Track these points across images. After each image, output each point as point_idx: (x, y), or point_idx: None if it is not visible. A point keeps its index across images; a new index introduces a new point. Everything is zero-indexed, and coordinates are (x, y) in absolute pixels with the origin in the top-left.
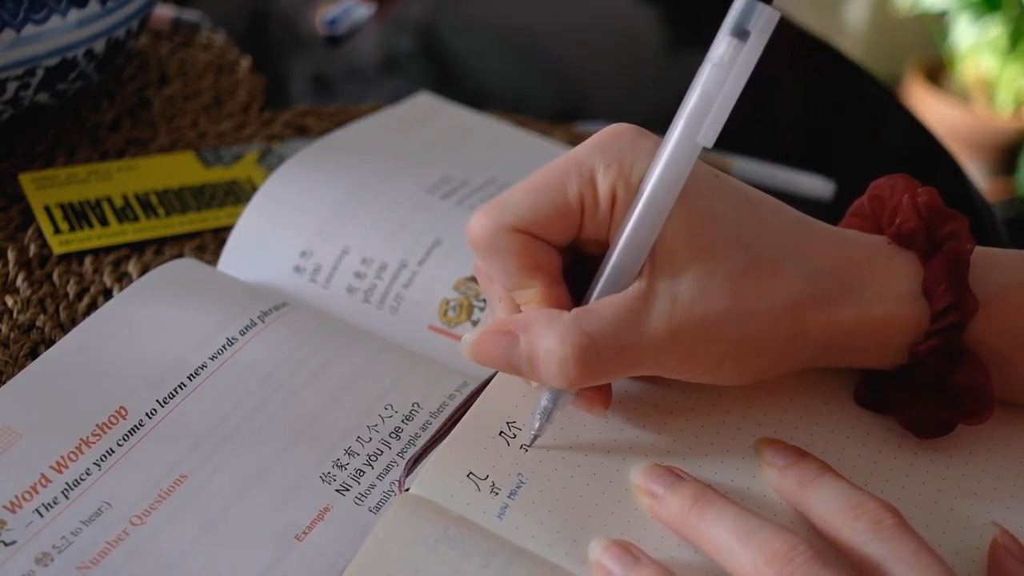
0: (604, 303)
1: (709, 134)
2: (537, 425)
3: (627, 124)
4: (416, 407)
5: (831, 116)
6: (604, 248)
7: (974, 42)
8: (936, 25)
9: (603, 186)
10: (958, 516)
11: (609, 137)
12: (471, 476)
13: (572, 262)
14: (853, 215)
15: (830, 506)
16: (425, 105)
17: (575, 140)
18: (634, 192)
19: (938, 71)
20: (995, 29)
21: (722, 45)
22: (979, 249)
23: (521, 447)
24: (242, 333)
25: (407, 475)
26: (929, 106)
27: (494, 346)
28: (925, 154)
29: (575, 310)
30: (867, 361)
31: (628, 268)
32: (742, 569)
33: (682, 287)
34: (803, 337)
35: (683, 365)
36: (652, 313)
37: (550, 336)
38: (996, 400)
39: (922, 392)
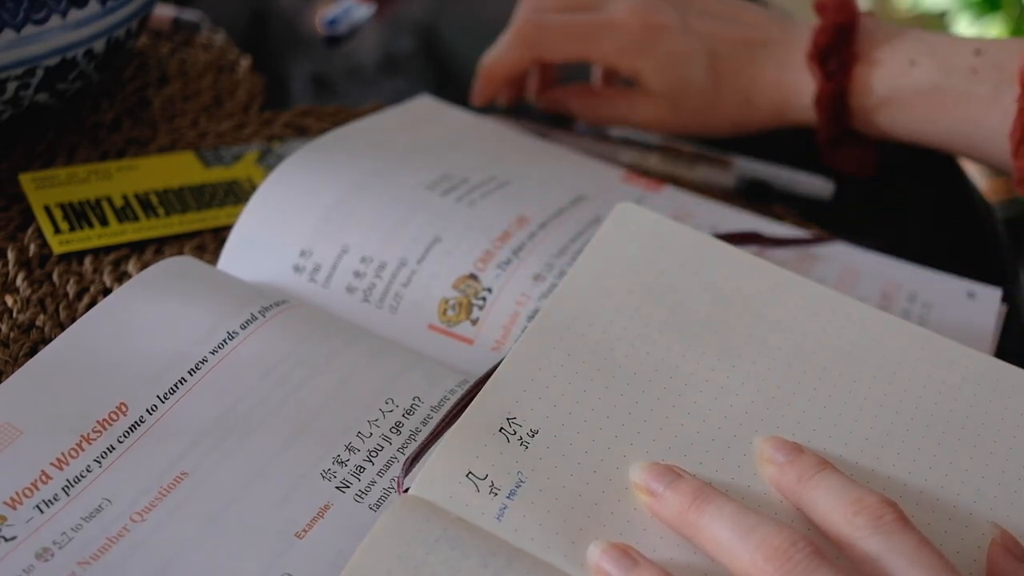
0: None
1: None
2: None
3: None
4: (417, 401)
5: None
6: None
7: None
8: (936, 25)
9: None
10: (960, 515)
11: None
12: (470, 476)
13: None
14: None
15: (829, 502)
16: (425, 107)
17: (575, 140)
18: None
19: None
20: (995, 29)
21: None
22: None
23: (521, 443)
24: (243, 327)
25: (406, 475)
26: None
27: None
28: (925, 154)
29: None
30: (790, 115)
31: None
32: (742, 566)
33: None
34: (724, 83)
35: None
36: None
37: None
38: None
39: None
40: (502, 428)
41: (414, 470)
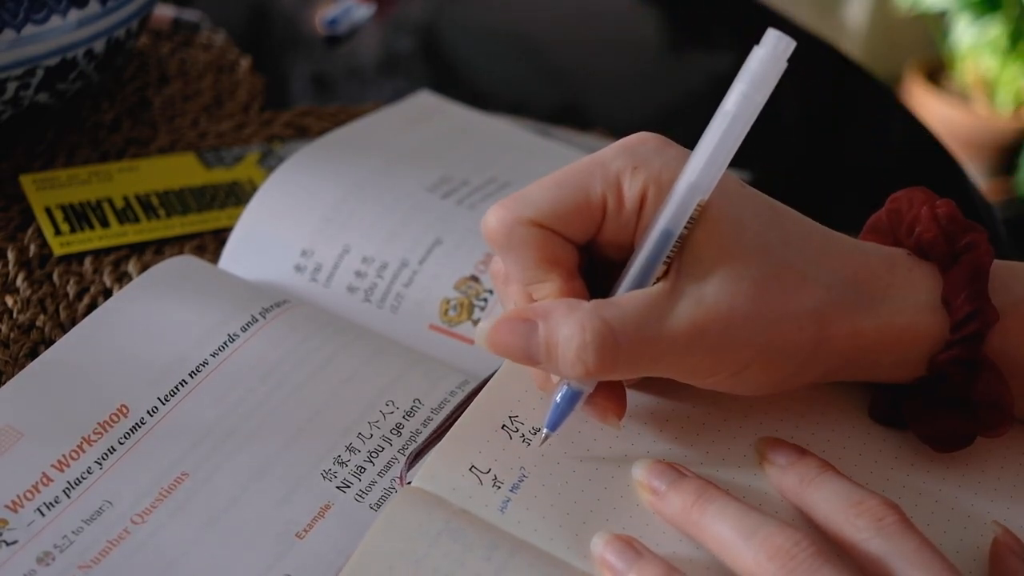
0: (626, 297)
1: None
2: (548, 428)
3: (651, 133)
4: (417, 403)
5: (831, 116)
6: (623, 251)
7: (974, 42)
8: (936, 25)
9: (631, 188)
10: (959, 515)
11: (635, 142)
12: (473, 470)
13: (587, 267)
14: (871, 231)
15: (831, 504)
16: (425, 103)
17: (573, 141)
18: (665, 193)
19: (938, 71)
20: (995, 29)
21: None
22: (998, 262)
23: (524, 440)
24: (244, 329)
25: (408, 469)
26: (929, 106)
27: (511, 334)
28: (925, 154)
29: (595, 301)
30: (887, 374)
31: (656, 267)
32: (745, 565)
33: (708, 289)
34: (826, 346)
35: (706, 369)
36: (676, 310)
37: (570, 322)
38: (1015, 415)
39: (941, 405)
40: (504, 426)
41: (416, 466)
